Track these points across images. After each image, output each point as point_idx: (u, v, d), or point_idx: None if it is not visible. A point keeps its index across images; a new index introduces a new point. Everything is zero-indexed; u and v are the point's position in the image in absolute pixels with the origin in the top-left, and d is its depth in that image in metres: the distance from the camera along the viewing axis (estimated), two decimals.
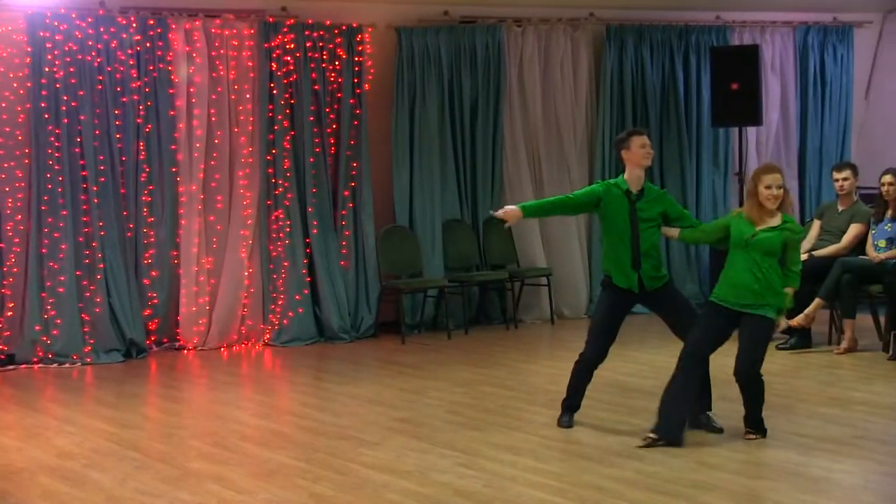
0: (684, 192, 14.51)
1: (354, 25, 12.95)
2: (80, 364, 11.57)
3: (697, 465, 7.53)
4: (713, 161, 14.80)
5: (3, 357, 11.40)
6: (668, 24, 14.48)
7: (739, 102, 13.52)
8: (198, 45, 12.27)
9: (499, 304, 13.84)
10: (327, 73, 12.82)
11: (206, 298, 12.37)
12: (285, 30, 12.60)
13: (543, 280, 13.69)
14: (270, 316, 12.59)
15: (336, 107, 12.90)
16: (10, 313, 11.54)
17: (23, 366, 11.43)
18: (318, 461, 7.77)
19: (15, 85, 11.62)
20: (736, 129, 14.18)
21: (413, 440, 8.31)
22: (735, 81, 13.54)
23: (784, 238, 8.04)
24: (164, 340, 12.30)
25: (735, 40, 14.79)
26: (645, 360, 11.12)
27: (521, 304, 13.82)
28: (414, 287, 12.99)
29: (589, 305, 14.00)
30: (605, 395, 9.50)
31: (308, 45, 12.71)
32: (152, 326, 12.21)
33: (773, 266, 8.01)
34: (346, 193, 12.94)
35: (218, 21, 12.38)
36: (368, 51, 13.05)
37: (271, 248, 12.60)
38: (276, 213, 12.64)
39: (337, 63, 12.85)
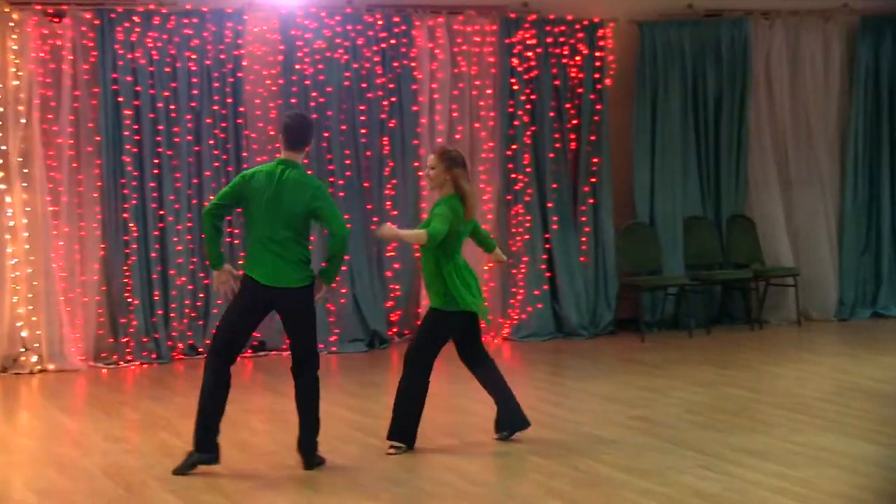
0: None
1: (596, 20, 12.87)
2: (325, 352, 11.87)
3: None
4: None
5: (255, 343, 11.85)
6: None
7: None
8: (440, 41, 12.44)
9: (742, 304, 13.51)
10: (568, 69, 12.79)
11: None
12: (527, 25, 12.64)
13: (790, 280, 13.28)
14: (510, 311, 12.66)
15: (576, 102, 12.86)
16: None
17: (273, 352, 11.85)
18: (554, 456, 7.75)
19: (268, 82, 12.04)
20: None
21: (651, 439, 8.20)
22: None
23: None
24: (406, 332, 12.52)
25: None
26: None
27: (767, 305, 13.45)
28: (654, 284, 12.83)
29: (840, 308, 13.53)
30: (855, 402, 9.15)
31: (549, 40, 12.71)
32: (394, 318, 12.45)
33: None
34: (585, 189, 12.89)
35: (460, 17, 12.52)
36: (610, 45, 12.96)
37: (510, 242, 12.65)
38: (515, 209, 12.69)
39: (577, 58, 12.80)
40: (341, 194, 12.09)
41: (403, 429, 7.89)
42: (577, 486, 7.07)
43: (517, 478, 7.33)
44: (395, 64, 12.34)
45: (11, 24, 11.06)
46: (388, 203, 12.38)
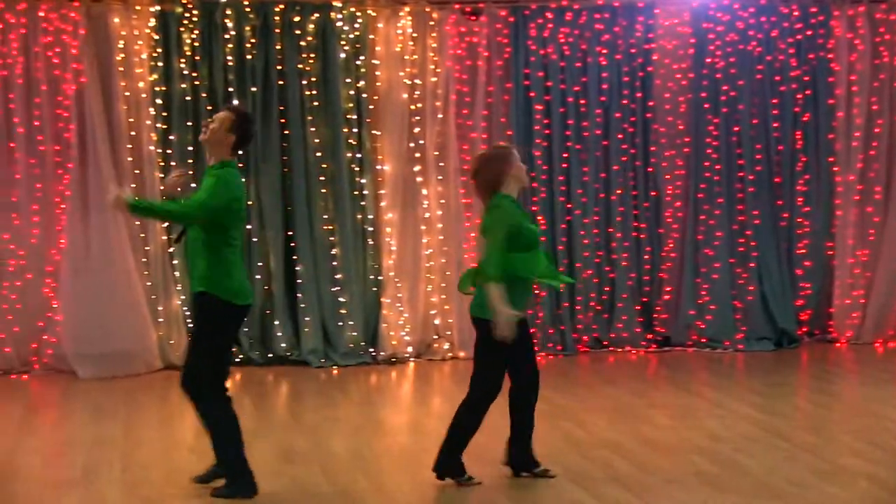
0: None
1: None
2: (731, 350, 11.69)
3: None
4: None
5: (659, 339, 11.80)
6: None
7: None
8: (861, 31, 11.88)
9: None
10: None
11: (861, 291, 11.96)
12: None
13: None
14: None
15: None
16: (667, 297, 11.91)
17: (677, 348, 11.76)
18: None
19: (678, 76, 11.94)
20: None
21: None
22: None
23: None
24: (816, 332, 12.09)
25: None
26: None
27: None
28: None
29: None
30: None
31: None
32: (804, 317, 12.04)
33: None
34: None
35: (883, 6, 11.91)
36: None
37: None
38: None
39: None
40: (751, 189, 11.83)
41: None
42: None
43: None
44: (811, 56, 11.91)
45: (431, 22, 11.53)
46: (800, 199, 11.98)
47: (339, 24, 11.30)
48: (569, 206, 11.78)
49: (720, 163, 11.85)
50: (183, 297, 11.10)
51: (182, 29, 11.05)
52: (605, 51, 11.77)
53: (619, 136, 11.82)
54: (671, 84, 11.96)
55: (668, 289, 11.93)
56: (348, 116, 11.37)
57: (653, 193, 11.92)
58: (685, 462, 7.57)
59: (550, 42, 11.68)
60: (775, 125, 11.93)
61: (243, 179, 7.15)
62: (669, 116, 11.97)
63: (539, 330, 11.64)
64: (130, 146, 10.99)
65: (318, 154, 11.34)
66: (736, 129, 11.87)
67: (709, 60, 11.84)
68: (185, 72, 11.07)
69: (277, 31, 11.22)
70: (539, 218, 11.65)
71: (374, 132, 11.51)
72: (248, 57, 11.17)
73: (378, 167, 11.55)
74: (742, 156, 11.90)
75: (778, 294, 11.89)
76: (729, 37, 11.82)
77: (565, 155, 11.75)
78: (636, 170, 11.86)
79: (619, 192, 11.84)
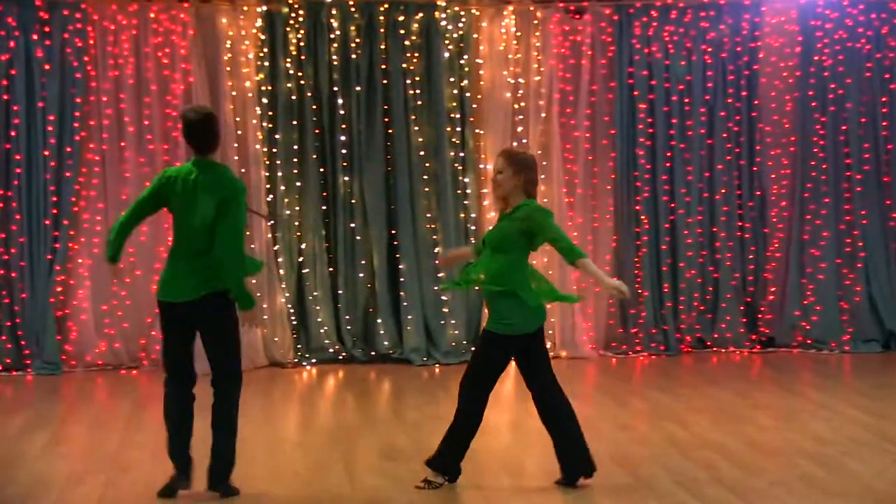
0: None
1: None
2: (837, 352, 11.52)
3: None
4: None
5: (764, 339, 11.67)
6: None
7: None
8: None
9: None
10: None
11: None
12: None
13: None
14: None
15: None
16: (771, 297, 11.77)
17: (782, 349, 11.63)
18: None
19: (784, 74, 11.78)
20: None
21: None
22: None
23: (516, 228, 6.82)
24: None
25: None
26: None
27: None
28: None
29: None
30: None
31: None
32: None
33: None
34: None
35: None
36: None
37: None
38: None
39: None
40: (858, 189, 11.64)
41: None
42: None
43: None
44: None
45: (535, 21, 11.53)
46: None
47: (443, 23, 11.35)
48: (672, 205, 11.70)
49: (827, 162, 11.68)
50: (287, 296, 11.24)
51: (288, 29, 11.20)
52: (710, 49, 11.67)
53: (724, 134, 11.71)
54: (777, 82, 11.80)
55: (772, 289, 11.79)
56: (452, 115, 11.42)
57: (757, 193, 11.79)
58: (790, 464, 7.47)
59: (655, 40, 11.61)
60: (884, 124, 11.73)
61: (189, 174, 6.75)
62: (775, 115, 11.82)
63: (641, 330, 11.59)
64: (237, 145, 11.16)
65: (422, 153, 11.41)
66: (844, 127, 11.69)
67: (816, 58, 11.67)
68: (291, 71, 11.21)
69: (382, 30, 11.31)
70: (642, 217, 11.61)
71: (477, 131, 11.55)
72: (353, 56, 11.28)
73: (481, 166, 11.58)
74: (850, 155, 11.71)
75: (886, 295, 11.68)
76: (837, 34, 11.64)
77: (669, 154, 11.67)
78: (741, 169, 11.75)
79: (723, 191, 11.73)
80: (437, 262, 6.96)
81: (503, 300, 6.85)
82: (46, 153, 10.90)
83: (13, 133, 10.89)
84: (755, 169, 11.77)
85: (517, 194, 6.94)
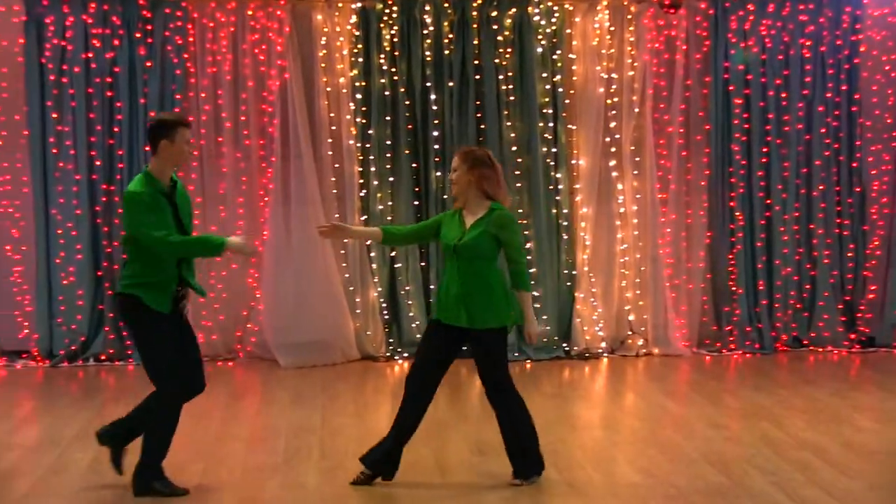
0: None
1: None
2: None
3: None
4: None
5: (863, 339, 11.47)
6: None
7: None
8: None
9: None
10: None
11: None
12: None
13: None
14: None
15: None
16: (871, 296, 11.57)
17: (882, 349, 11.43)
18: None
19: (887, 68, 11.57)
20: None
21: None
22: None
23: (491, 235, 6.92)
24: None
25: None
26: None
27: None
28: None
29: None
30: None
31: None
32: None
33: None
34: None
35: None
36: None
37: None
38: None
39: None
40: None
41: None
42: None
43: None
44: None
45: (629, 16, 11.44)
46: None
47: (536, 18, 11.32)
48: (768, 201, 11.53)
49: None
50: (380, 290, 11.30)
51: (382, 25, 11.24)
52: (809, 42, 11.47)
53: (822, 129, 11.51)
54: (879, 76, 11.59)
55: (872, 287, 11.57)
56: (544, 111, 11.38)
57: (857, 189, 11.57)
58: (891, 468, 7.33)
59: (752, 34, 11.45)
60: None
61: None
62: (877, 110, 11.60)
63: (736, 328, 11.45)
64: (331, 140, 11.24)
65: (514, 148, 11.39)
66: None
67: None
68: (384, 67, 11.26)
69: (475, 26, 11.31)
70: (737, 214, 11.46)
71: (569, 126, 11.50)
72: (446, 52, 11.29)
73: (573, 161, 11.53)
74: None
75: None
76: None
77: (765, 150, 11.51)
78: (839, 165, 11.55)
79: (821, 187, 11.54)
80: (318, 229, 7.04)
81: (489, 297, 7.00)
82: (147, 148, 11.03)
83: (116, 129, 11.08)
84: (854, 165, 11.56)
85: (473, 192, 7.04)
